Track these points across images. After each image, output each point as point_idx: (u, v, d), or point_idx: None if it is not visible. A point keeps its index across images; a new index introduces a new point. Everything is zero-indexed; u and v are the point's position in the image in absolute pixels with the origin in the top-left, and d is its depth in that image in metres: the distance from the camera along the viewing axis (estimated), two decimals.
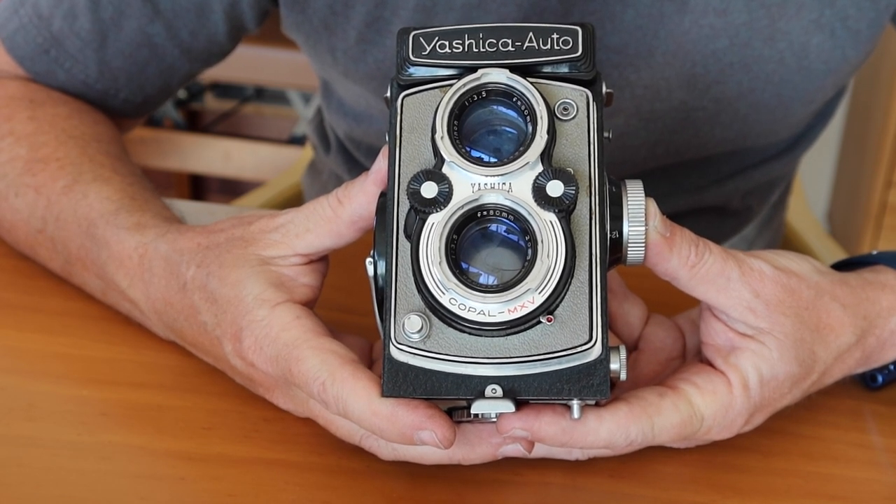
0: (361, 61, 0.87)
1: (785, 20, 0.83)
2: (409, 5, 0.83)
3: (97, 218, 0.73)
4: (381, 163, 0.60)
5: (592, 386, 0.54)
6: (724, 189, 0.98)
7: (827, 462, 0.67)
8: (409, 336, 0.54)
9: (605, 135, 0.58)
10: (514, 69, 0.56)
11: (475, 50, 0.57)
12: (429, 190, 0.54)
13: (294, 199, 1.35)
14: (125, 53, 0.86)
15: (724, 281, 0.60)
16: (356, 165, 1.05)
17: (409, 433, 0.56)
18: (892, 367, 0.70)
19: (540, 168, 0.55)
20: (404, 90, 0.58)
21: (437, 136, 0.55)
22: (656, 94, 0.86)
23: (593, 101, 0.57)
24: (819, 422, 0.69)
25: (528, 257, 0.54)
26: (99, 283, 0.74)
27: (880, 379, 0.71)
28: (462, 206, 0.54)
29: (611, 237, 0.57)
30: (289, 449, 0.65)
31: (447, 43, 0.58)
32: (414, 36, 0.58)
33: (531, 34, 0.57)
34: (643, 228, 0.58)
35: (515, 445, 0.60)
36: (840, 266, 0.71)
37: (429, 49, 0.58)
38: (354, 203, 0.61)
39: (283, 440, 0.65)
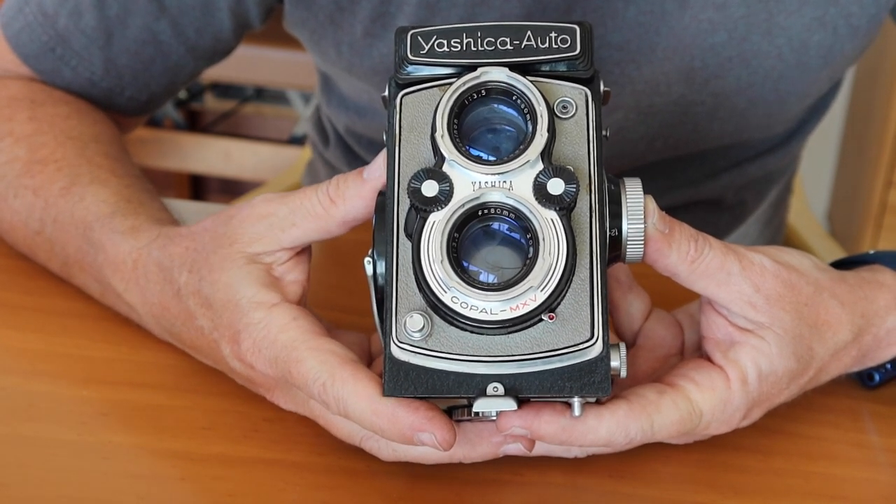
0: (367, 56, 0.87)
1: (784, 15, 0.83)
2: (412, 1, 0.83)
3: (93, 221, 0.73)
4: (380, 165, 0.60)
5: (594, 383, 0.54)
6: (718, 183, 0.99)
7: (827, 462, 0.67)
8: (410, 335, 0.54)
9: (604, 133, 0.58)
10: (513, 68, 0.56)
11: (473, 49, 0.57)
12: (429, 188, 0.54)
13: None
14: (131, 51, 0.86)
15: (724, 275, 0.60)
16: (356, 159, 1.05)
17: (409, 434, 0.56)
18: (888, 365, 0.70)
19: (540, 166, 0.55)
20: (403, 89, 0.58)
21: (438, 135, 0.55)
22: (655, 88, 0.86)
23: (592, 99, 0.57)
24: (818, 421, 0.69)
25: (530, 255, 0.54)
26: (97, 285, 0.74)
27: (877, 377, 0.71)
28: (463, 205, 0.54)
29: (610, 235, 0.57)
30: (289, 449, 0.65)
31: (445, 42, 0.57)
32: (412, 35, 0.58)
33: (529, 33, 0.57)
34: (642, 226, 0.58)
35: (516, 444, 0.59)
36: (838, 265, 0.71)
37: (427, 48, 0.58)
38: (349, 205, 0.61)
39: (283, 440, 0.65)
